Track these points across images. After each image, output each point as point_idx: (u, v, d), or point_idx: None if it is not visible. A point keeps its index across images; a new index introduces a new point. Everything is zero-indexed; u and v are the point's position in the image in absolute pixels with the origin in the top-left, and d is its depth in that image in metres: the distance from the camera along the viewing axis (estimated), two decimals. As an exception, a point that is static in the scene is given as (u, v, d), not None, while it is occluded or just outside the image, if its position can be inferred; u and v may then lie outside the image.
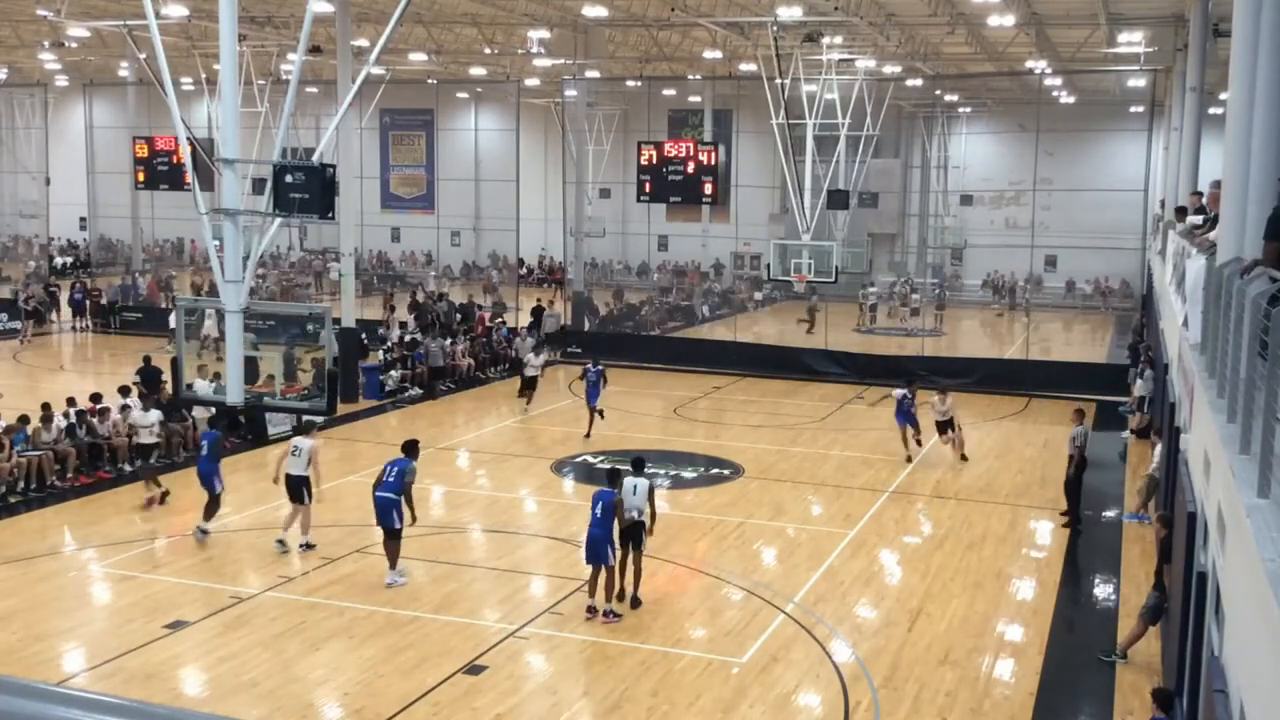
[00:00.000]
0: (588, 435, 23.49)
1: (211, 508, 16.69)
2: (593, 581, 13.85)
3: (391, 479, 14.67)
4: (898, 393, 22.44)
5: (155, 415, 19.78)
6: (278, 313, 21.19)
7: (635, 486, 14.01)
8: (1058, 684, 12.43)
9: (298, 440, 16.44)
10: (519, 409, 26.17)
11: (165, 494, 18.46)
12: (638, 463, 14.62)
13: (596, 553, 13.63)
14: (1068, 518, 18.24)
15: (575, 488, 20.11)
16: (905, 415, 22.12)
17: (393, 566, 14.81)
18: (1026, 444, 24.29)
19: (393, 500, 14.59)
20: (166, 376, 22.85)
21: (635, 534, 13.96)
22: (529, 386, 26.17)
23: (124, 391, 21.50)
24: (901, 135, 49.78)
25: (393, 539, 14.77)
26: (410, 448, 15.20)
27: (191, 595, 14.41)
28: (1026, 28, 30.94)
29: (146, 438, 19.58)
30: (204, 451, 17.03)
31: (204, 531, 16.51)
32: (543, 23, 33.80)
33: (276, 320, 15.24)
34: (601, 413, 23.87)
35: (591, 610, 13.73)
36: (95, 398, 20.81)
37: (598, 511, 13.66)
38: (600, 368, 24.12)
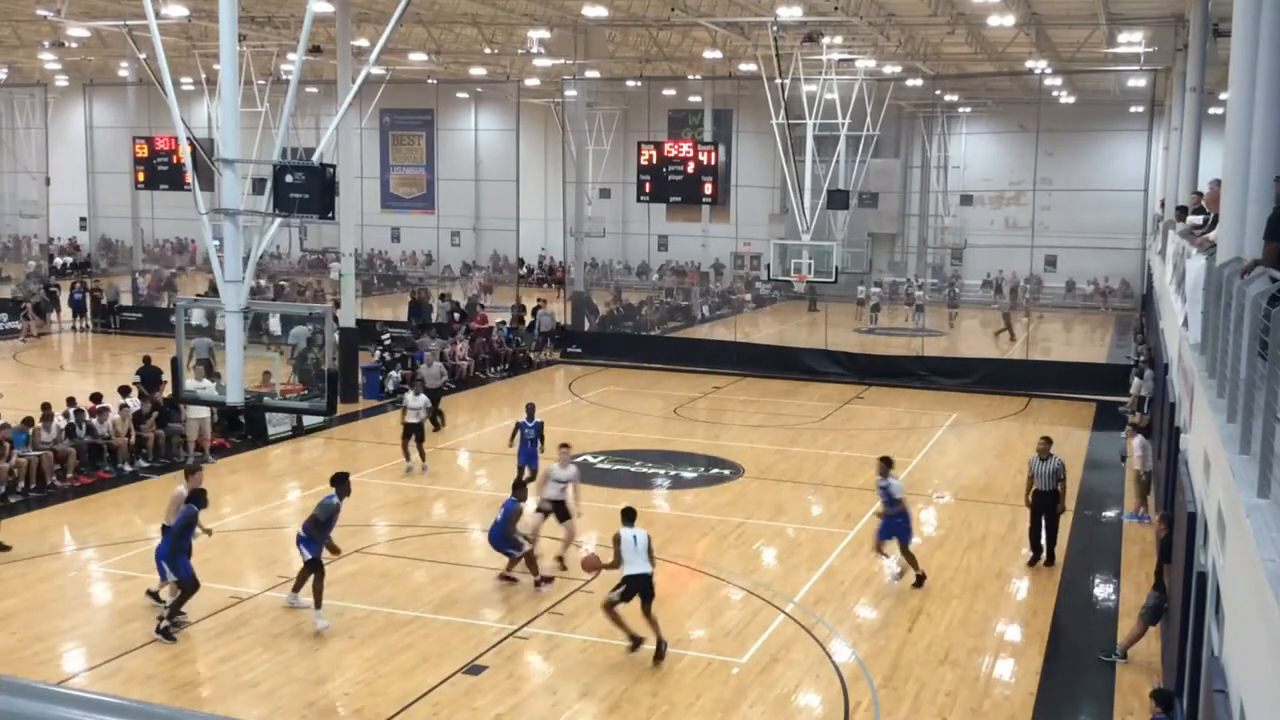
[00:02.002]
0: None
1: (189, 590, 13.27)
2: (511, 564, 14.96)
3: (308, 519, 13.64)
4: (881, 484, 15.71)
5: None
6: (277, 312, 21.22)
7: (635, 539, 12.72)
8: (1058, 684, 12.43)
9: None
10: (416, 465, 20.57)
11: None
12: (628, 513, 13.08)
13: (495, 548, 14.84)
14: (1039, 554, 16.26)
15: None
16: (890, 526, 15.39)
17: (317, 606, 13.36)
18: (1026, 444, 24.16)
19: (301, 537, 13.64)
20: (166, 376, 22.85)
21: (643, 588, 12.66)
22: (413, 435, 20.44)
23: (124, 391, 21.52)
24: (901, 135, 49.76)
25: (311, 572, 13.45)
26: (338, 481, 13.91)
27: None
28: (1026, 28, 30.93)
29: None
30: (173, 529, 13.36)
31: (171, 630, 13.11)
32: (543, 23, 33.80)
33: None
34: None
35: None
36: (95, 397, 20.82)
37: (499, 515, 14.74)
38: (539, 421, 19.19)
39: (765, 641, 13.32)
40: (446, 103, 51.29)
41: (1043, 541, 16.26)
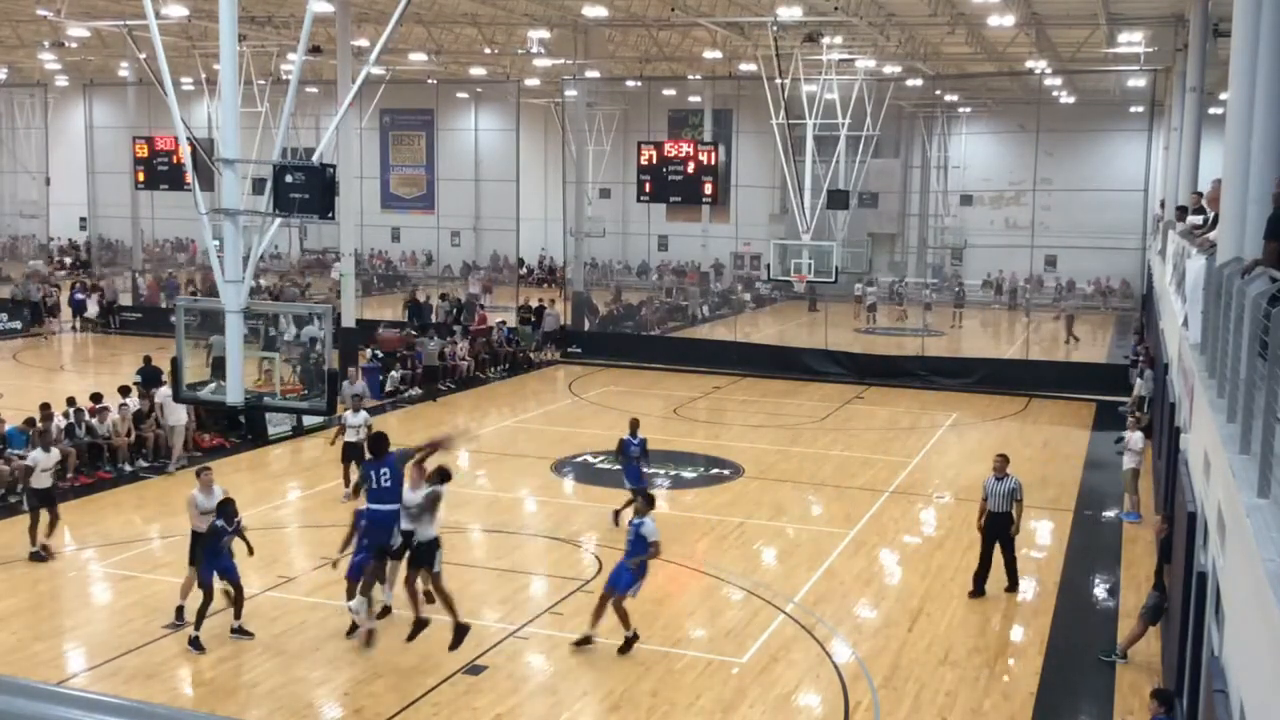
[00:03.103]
0: (618, 517, 17.24)
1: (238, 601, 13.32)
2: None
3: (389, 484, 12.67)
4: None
5: (55, 456, 16.37)
6: (278, 312, 21.20)
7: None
8: (1058, 684, 12.43)
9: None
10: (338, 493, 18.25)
11: (45, 549, 15.62)
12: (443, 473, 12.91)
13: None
14: (983, 587, 14.90)
15: (575, 488, 20.10)
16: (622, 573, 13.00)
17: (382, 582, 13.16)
18: (1026, 444, 24.26)
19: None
20: (166, 376, 22.83)
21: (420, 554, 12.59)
22: (353, 456, 18.23)
23: (124, 391, 21.51)
24: (901, 135, 49.75)
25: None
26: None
27: (192, 595, 14.38)
28: (1026, 28, 30.94)
29: (42, 481, 15.81)
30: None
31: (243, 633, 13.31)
32: (543, 23, 33.80)
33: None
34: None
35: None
36: (95, 397, 20.81)
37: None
38: (644, 438, 17.61)
39: (765, 641, 13.32)
40: (446, 103, 51.29)
41: (999, 570, 14.97)
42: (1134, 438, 18.65)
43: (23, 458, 16.83)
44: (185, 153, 16.98)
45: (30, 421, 19.20)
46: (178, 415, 20.44)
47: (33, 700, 2.45)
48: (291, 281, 44.70)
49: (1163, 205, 30.07)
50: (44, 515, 15.66)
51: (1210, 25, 24.02)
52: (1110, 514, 19.09)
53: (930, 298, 42.71)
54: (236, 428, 22.69)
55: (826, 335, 33.96)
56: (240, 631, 13.04)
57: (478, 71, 43.75)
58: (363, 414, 18.89)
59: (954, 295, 44.07)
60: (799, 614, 14.21)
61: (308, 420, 23.08)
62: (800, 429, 25.31)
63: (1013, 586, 15.05)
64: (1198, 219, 16.26)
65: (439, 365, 28.41)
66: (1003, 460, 15.07)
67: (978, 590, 14.88)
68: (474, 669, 12.36)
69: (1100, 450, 23.50)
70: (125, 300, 39.35)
